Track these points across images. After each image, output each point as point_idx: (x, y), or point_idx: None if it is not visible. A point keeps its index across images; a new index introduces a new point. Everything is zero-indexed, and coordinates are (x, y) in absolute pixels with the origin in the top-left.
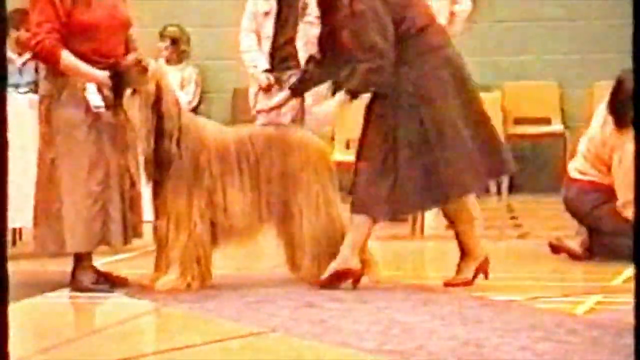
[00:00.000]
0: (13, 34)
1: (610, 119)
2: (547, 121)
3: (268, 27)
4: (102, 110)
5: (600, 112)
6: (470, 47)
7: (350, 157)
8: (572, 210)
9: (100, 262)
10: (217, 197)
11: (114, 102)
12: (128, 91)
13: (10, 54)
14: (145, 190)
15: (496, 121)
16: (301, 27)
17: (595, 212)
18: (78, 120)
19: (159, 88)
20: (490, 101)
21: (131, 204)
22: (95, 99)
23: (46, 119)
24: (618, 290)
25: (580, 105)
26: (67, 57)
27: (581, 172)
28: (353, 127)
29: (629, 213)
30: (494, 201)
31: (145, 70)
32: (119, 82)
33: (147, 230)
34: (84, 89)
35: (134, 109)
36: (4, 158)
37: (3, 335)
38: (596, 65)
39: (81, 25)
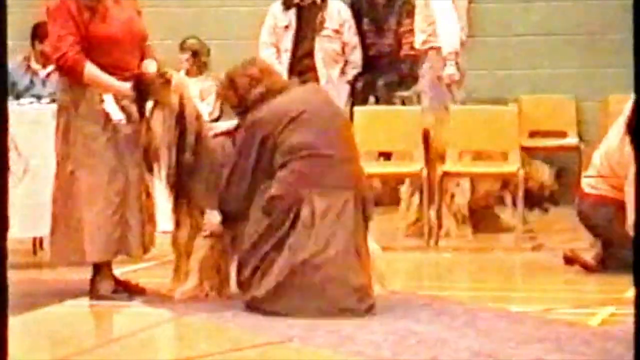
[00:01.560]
0: (38, 47)
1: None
2: (562, 134)
3: (287, 41)
4: (123, 121)
5: (619, 129)
6: (486, 60)
7: (382, 168)
8: (586, 223)
9: (120, 271)
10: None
11: (138, 113)
12: (150, 103)
13: (35, 65)
14: (161, 201)
15: (512, 134)
16: (319, 41)
17: (608, 225)
18: (96, 131)
19: (181, 101)
20: (506, 114)
21: (148, 213)
22: (113, 111)
23: (64, 131)
24: (631, 302)
25: (596, 118)
26: (90, 70)
27: (593, 187)
28: (385, 139)
29: None
30: (510, 213)
31: (168, 82)
32: (141, 93)
33: (165, 240)
34: (102, 101)
35: (157, 120)
36: (5, 164)
37: (2, 344)
38: (611, 79)
39: (98, 39)
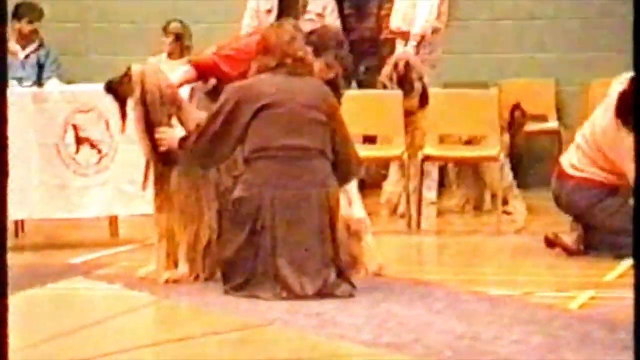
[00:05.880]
0: (16, 26)
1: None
2: (542, 118)
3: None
4: None
5: (606, 111)
6: (467, 43)
7: (365, 152)
8: (566, 206)
9: (101, 254)
10: (223, 188)
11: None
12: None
13: (14, 45)
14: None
15: (492, 117)
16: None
17: (592, 209)
18: None
19: (143, 88)
20: (487, 97)
21: None
22: None
23: None
24: (612, 285)
25: (576, 102)
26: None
27: (577, 169)
28: (367, 123)
29: None
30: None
31: (131, 78)
32: (115, 98)
33: (146, 222)
34: None
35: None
36: (4, 154)
37: (2, 326)
38: (592, 63)
39: None
